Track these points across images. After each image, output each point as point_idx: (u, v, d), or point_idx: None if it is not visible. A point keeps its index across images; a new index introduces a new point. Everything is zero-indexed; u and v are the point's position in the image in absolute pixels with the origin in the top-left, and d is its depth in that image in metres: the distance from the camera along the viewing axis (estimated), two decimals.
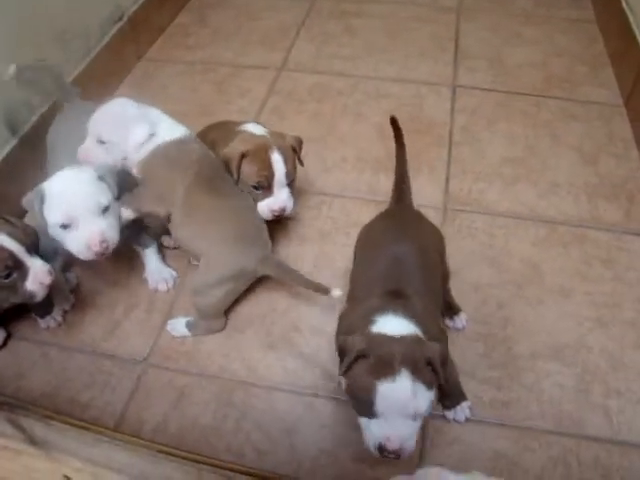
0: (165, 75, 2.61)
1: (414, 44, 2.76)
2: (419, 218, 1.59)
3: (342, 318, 1.41)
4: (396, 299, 1.30)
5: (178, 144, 1.70)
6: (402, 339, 1.18)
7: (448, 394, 1.45)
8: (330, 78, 2.57)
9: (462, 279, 1.78)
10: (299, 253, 1.88)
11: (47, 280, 1.45)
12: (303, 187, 2.05)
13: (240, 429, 1.49)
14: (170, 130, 1.72)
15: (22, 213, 1.63)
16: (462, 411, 1.49)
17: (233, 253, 1.61)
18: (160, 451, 0.81)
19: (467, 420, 1.48)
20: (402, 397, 1.11)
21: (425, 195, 2.03)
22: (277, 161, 1.69)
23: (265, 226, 1.71)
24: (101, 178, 1.55)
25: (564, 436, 1.47)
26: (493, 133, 2.29)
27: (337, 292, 1.55)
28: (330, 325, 1.66)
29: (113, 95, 2.45)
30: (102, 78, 2.36)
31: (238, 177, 1.69)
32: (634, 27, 2.41)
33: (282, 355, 1.65)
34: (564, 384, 1.57)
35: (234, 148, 1.69)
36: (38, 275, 1.43)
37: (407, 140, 2.20)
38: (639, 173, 2.12)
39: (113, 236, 1.53)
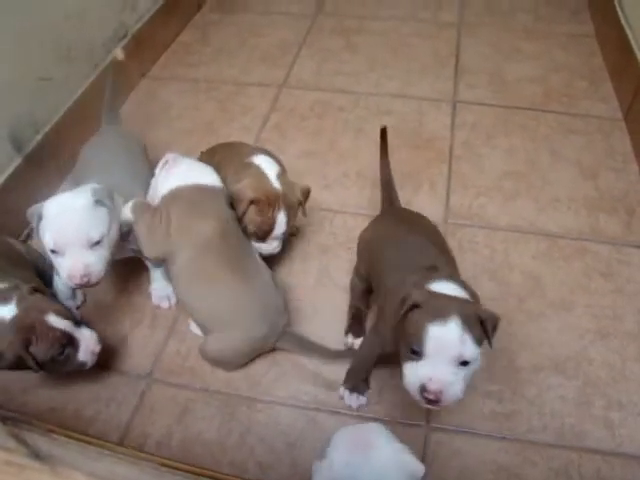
0: (169, 93, 2.64)
1: (415, 60, 2.78)
2: (415, 213, 1.75)
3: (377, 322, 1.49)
4: (435, 272, 1.37)
5: (204, 191, 1.67)
6: (457, 298, 1.25)
7: None
8: (331, 95, 2.59)
9: None
10: (301, 269, 1.90)
11: (97, 348, 1.51)
12: None
13: (243, 443, 1.50)
14: (200, 175, 1.71)
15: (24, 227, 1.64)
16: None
17: (252, 330, 1.58)
18: (163, 465, 0.82)
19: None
20: (450, 339, 1.17)
21: (426, 210, 2.02)
22: (281, 221, 1.70)
23: (283, 296, 1.68)
24: (99, 202, 1.53)
25: (566, 449, 1.48)
26: (493, 148, 2.31)
27: None
28: (332, 340, 1.68)
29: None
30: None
31: (241, 217, 1.68)
32: (632, 42, 2.42)
33: (285, 370, 1.65)
34: (565, 397, 1.57)
35: (244, 192, 1.67)
36: (89, 346, 1.49)
37: (408, 155, 2.26)
38: (639, 186, 2.13)
39: (98, 270, 1.51)
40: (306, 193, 1.78)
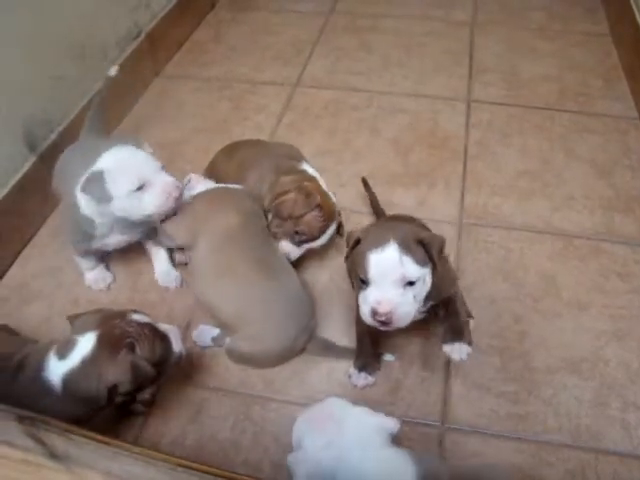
0: (182, 91, 2.64)
1: (429, 59, 2.78)
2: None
3: None
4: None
5: (230, 190, 1.76)
6: (396, 225, 1.39)
7: (453, 326, 1.45)
8: (345, 93, 2.59)
9: (478, 293, 1.79)
10: (315, 267, 1.89)
11: (180, 336, 1.46)
12: None
13: (258, 443, 1.50)
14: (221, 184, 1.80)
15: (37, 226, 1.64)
16: (459, 351, 1.42)
17: (281, 330, 1.59)
18: (179, 465, 0.82)
19: (461, 360, 1.43)
20: (389, 262, 1.25)
21: (441, 209, 2.04)
22: (329, 233, 1.75)
23: (311, 298, 1.71)
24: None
25: (582, 450, 1.47)
26: (508, 147, 2.30)
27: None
28: (347, 339, 1.67)
29: (131, 109, 2.49)
30: (119, 95, 2.39)
31: (297, 216, 1.69)
32: None
33: (299, 369, 1.65)
34: (581, 398, 1.56)
35: (313, 195, 1.69)
36: (177, 335, 1.44)
37: (422, 155, 2.26)
38: None
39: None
40: (340, 214, 1.82)
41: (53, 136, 2.07)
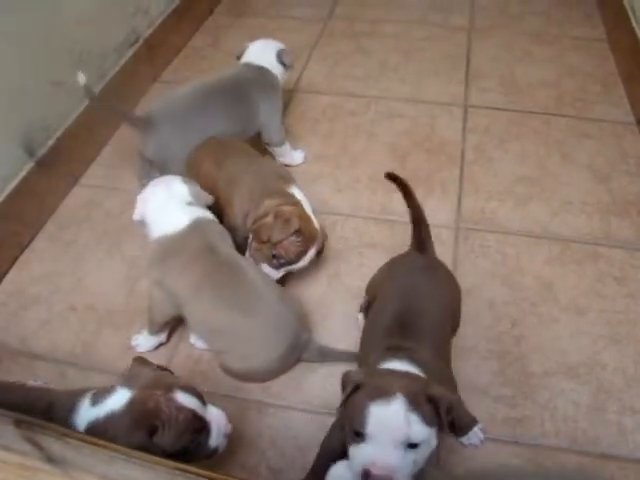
0: None
1: (426, 64, 2.79)
2: (436, 268, 1.56)
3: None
4: (398, 351, 1.28)
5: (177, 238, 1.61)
6: (403, 374, 1.17)
7: (461, 426, 1.33)
8: (343, 98, 2.59)
9: (475, 297, 1.79)
10: (312, 273, 1.89)
11: (229, 429, 1.28)
12: (316, 207, 2.05)
13: (255, 448, 1.50)
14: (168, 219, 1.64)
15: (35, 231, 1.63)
16: (476, 435, 1.47)
17: (268, 354, 1.58)
18: (176, 468, 0.82)
19: (482, 442, 1.48)
20: (394, 420, 1.07)
21: (437, 214, 2.04)
22: (308, 258, 1.73)
23: (297, 311, 1.66)
24: None
25: (579, 454, 1.47)
26: (505, 152, 2.30)
27: None
28: (343, 342, 1.68)
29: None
30: (118, 99, 2.39)
31: (274, 240, 1.67)
32: None
33: (296, 374, 1.65)
34: (578, 402, 1.56)
35: (292, 219, 1.67)
36: (221, 428, 1.25)
37: (419, 160, 2.25)
38: None
39: None
40: (325, 238, 1.81)
41: (51, 142, 2.07)
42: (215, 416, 1.25)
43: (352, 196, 2.13)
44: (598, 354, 1.66)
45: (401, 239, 1.96)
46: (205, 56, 2.88)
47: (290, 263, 1.71)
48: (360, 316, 1.72)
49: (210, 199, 1.74)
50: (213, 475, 0.85)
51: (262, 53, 2.20)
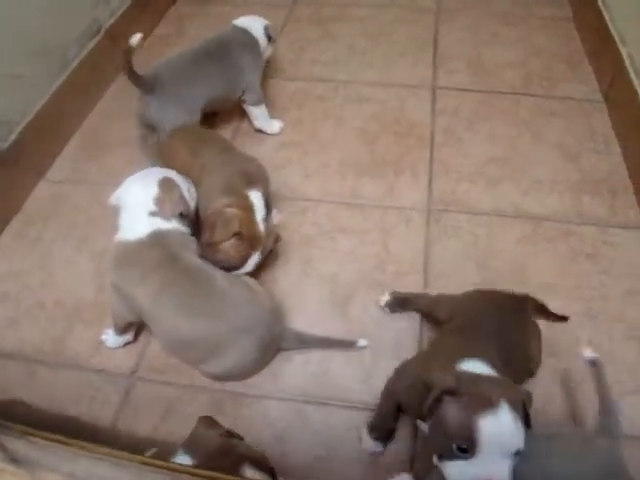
0: None
1: (394, 47, 2.76)
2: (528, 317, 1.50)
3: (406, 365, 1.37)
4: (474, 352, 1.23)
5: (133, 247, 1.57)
6: (493, 379, 1.13)
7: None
8: (311, 84, 2.57)
9: (448, 279, 1.79)
10: (285, 260, 1.88)
11: None
12: (286, 194, 2.05)
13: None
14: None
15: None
16: None
17: (240, 355, 1.54)
18: (144, 463, 0.80)
19: None
20: (506, 432, 1.02)
21: (408, 197, 2.03)
22: (252, 263, 1.67)
23: (268, 304, 1.61)
24: None
25: None
26: (474, 133, 2.29)
27: (362, 342, 1.63)
28: (318, 328, 1.67)
29: (94, 107, 2.45)
30: (82, 92, 2.36)
31: (216, 242, 1.63)
32: (609, 24, 2.42)
33: (272, 364, 1.64)
34: (556, 381, 1.57)
35: (232, 222, 1.62)
36: None
37: (389, 143, 2.25)
38: (621, 167, 2.12)
39: None
40: (277, 240, 1.76)
41: (13, 136, 2.02)
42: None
43: (322, 181, 2.11)
44: (573, 331, 1.66)
45: (372, 223, 1.96)
46: (170, 45, 2.83)
47: (232, 268, 1.65)
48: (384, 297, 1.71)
49: (188, 207, 1.70)
50: (180, 468, 0.83)
51: (252, 21, 2.33)
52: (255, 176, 1.78)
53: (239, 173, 1.76)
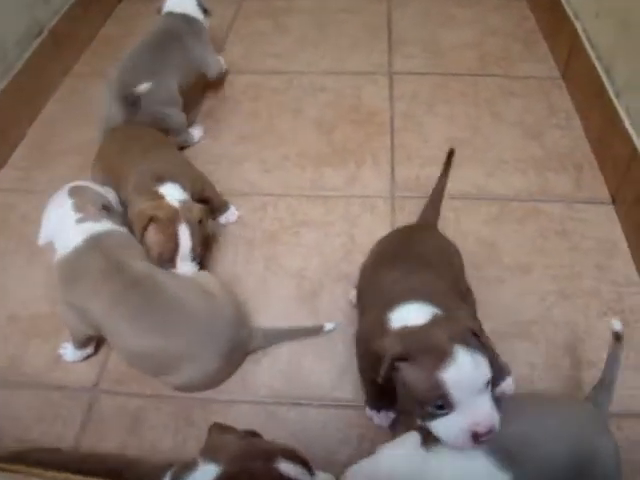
0: (95, 90, 2.47)
1: (347, 35, 2.71)
2: (438, 234, 1.55)
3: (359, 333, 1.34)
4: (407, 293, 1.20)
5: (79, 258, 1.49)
6: (435, 323, 1.09)
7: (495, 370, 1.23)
8: (264, 77, 2.50)
9: None
10: (248, 257, 1.81)
11: None
12: (245, 190, 1.99)
13: (201, 446, 1.41)
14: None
15: None
16: (509, 386, 1.42)
17: (203, 365, 1.47)
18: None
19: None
20: (470, 371, 1.01)
21: (372, 185, 1.98)
22: (184, 235, 1.59)
23: (231, 306, 1.54)
24: None
25: None
26: (434, 116, 2.25)
27: (329, 325, 1.60)
28: (285, 324, 1.61)
29: (40, 112, 2.36)
30: (26, 97, 2.26)
31: (142, 240, 1.58)
32: (563, 1, 2.40)
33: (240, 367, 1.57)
34: (534, 362, 1.53)
35: (143, 213, 1.58)
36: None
37: (347, 132, 2.20)
38: (583, 141, 2.11)
39: None
40: (204, 211, 1.68)
41: None
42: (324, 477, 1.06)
43: (281, 175, 2.05)
44: (548, 311, 1.63)
45: (336, 214, 1.91)
46: (119, 45, 2.73)
47: (173, 251, 1.59)
48: (353, 293, 1.64)
49: (107, 199, 1.65)
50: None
51: (182, 3, 2.29)
52: (167, 173, 1.71)
53: (149, 171, 1.70)
